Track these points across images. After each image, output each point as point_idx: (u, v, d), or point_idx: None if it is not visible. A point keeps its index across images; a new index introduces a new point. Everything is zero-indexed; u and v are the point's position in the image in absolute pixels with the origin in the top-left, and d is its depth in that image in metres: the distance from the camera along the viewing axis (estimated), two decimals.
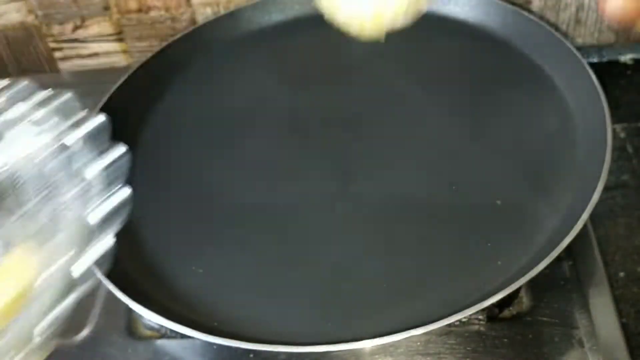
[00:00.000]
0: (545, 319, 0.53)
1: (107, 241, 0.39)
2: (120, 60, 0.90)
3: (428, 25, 0.73)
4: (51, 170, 0.41)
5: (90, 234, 0.38)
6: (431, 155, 0.61)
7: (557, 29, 0.76)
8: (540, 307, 0.53)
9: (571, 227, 0.48)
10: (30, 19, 0.86)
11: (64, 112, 0.43)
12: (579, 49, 0.67)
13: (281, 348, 0.47)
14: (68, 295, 0.37)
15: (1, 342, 0.35)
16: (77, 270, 0.37)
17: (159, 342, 0.56)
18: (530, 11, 0.75)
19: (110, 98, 0.69)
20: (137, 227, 0.60)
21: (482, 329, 0.53)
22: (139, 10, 0.84)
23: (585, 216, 0.49)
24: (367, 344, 0.47)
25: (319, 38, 0.75)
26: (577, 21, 0.76)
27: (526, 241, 0.52)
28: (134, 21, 0.85)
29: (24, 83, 0.43)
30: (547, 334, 0.52)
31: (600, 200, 0.49)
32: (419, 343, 0.52)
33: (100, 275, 0.51)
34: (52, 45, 0.89)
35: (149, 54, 0.75)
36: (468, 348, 0.52)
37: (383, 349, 0.52)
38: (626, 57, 0.76)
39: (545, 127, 0.60)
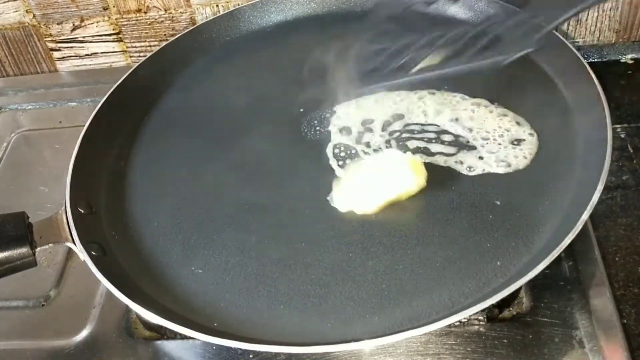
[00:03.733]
0: (545, 319, 0.52)
1: None
2: (119, 60, 0.90)
3: (428, 25, 0.74)
4: None
5: None
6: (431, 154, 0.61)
7: (557, 29, 0.76)
8: (540, 307, 0.53)
9: (571, 227, 0.48)
10: (28, 18, 0.86)
11: None
12: (579, 49, 0.67)
13: (281, 348, 0.47)
14: None
15: None
16: None
17: (159, 342, 0.56)
18: None
19: (109, 98, 0.69)
20: (137, 227, 0.60)
21: (481, 329, 0.53)
22: (138, 10, 0.84)
23: (585, 216, 0.49)
24: (367, 344, 0.46)
25: (319, 38, 0.75)
26: (577, 21, 0.76)
27: (526, 241, 0.52)
28: (133, 21, 0.85)
29: None
30: (547, 334, 0.52)
31: (600, 200, 0.49)
32: (418, 343, 0.52)
33: (100, 276, 0.51)
34: (51, 45, 0.89)
35: (148, 54, 0.75)
36: (468, 348, 0.52)
37: (383, 349, 0.52)
38: (626, 57, 0.76)
39: (545, 127, 0.60)
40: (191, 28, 0.78)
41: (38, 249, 0.53)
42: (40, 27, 0.87)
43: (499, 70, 0.57)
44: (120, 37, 0.87)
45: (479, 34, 0.58)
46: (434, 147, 0.60)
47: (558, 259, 0.47)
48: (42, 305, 0.61)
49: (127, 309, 0.58)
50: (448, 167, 0.59)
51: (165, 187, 0.63)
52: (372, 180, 0.57)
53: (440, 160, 0.59)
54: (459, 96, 0.65)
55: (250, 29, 0.78)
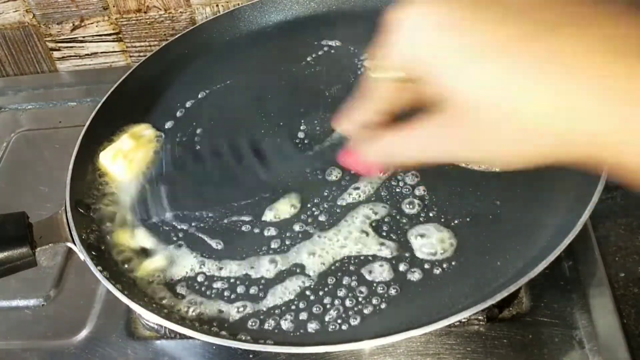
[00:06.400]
0: (545, 319, 0.53)
1: None
2: (119, 60, 0.90)
3: None
4: None
5: None
6: None
7: None
8: (540, 307, 0.53)
9: (571, 227, 0.48)
10: (28, 18, 0.86)
11: None
12: None
13: (281, 348, 0.47)
14: None
15: None
16: None
17: (159, 342, 0.56)
18: None
19: (109, 98, 0.69)
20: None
21: (481, 329, 0.53)
22: (138, 10, 0.84)
23: (585, 216, 0.49)
24: (367, 344, 0.46)
25: (319, 38, 0.75)
26: None
27: (526, 241, 0.52)
28: (133, 21, 0.85)
29: None
30: (547, 334, 0.52)
31: (600, 200, 0.49)
32: (418, 343, 0.52)
33: (100, 276, 0.51)
34: (51, 45, 0.89)
35: (148, 54, 0.75)
36: (468, 348, 0.52)
37: (383, 349, 0.52)
38: None
39: None
40: (191, 28, 0.78)
41: (38, 249, 0.53)
42: (40, 27, 0.87)
43: None
44: (120, 37, 0.87)
45: None
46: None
47: (558, 259, 0.47)
48: (42, 305, 0.62)
49: (127, 309, 0.58)
50: (447, 167, 0.59)
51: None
52: None
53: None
54: None
55: (250, 29, 0.78)
